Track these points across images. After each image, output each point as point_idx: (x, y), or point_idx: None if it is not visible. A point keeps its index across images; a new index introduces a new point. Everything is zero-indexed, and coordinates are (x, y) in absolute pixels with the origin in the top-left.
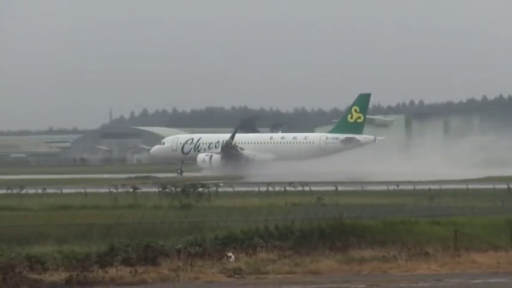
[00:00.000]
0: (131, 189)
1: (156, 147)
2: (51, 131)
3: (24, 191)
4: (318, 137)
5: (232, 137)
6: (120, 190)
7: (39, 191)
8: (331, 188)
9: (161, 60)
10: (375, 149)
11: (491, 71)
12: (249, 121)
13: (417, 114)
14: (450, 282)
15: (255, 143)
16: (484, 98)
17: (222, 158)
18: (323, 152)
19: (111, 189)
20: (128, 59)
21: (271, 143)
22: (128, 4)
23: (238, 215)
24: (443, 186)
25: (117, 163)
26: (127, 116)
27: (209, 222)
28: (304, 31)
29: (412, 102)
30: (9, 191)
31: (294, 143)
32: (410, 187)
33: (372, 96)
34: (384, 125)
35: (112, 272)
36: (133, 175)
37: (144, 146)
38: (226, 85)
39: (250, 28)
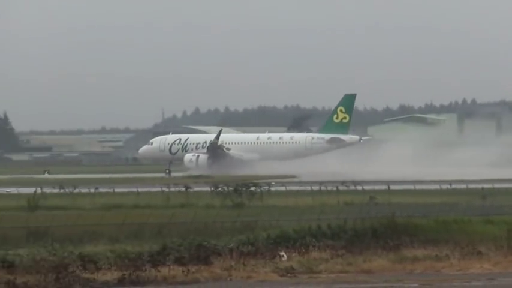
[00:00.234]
0: (183, 189)
1: (144, 148)
2: (103, 130)
3: (77, 191)
4: (303, 137)
5: (218, 137)
6: (172, 189)
7: (92, 190)
8: (384, 187)
9: (214, 59)
10: (425, 148)
11: None
12: (301, 120)
13: (469, 113)
14: (503, 281)
15: (241, 143)
16: None
17: (208, 158)
18: (309, 151)
19: (164, 189)
20: (180, 60)
21: (257, 143)
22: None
23: (291, 214)
24: (496, 185)
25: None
26: (179, 115)
27: (261, 221)
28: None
29: (464, 101)
30: (62, 191)
31: (280, 143)
32: (463, 186)
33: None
34: (436, 123)
35: (164, 271)
36: (185, 174)
37: None
38: (278, 84)
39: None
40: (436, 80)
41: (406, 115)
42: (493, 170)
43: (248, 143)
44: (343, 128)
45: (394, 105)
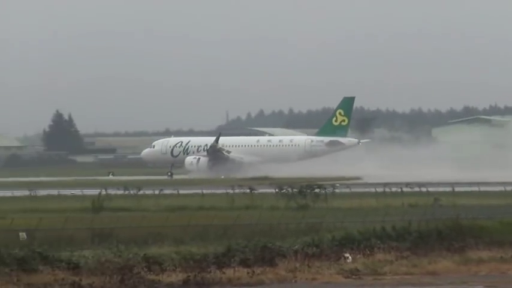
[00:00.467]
0: (248, 190)
1: (146, 151)
2: (167, 132)
3: (141, 192)
4: (303, 140)
5: (217, 140)
6: (236, 191)
7: (156, 192)
8: (448, 188)
9: (278, 61)
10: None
11: None
12: (365, 122)
13: None
14: None
15: (242, 146)
16: None
17: (209, 160)
18: (308, 154)
19: (228, 190)
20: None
21: (257, 146)
22: None
23: (355, 216)
24: None
25: None
26: (243, 116)
27: (326, 223)
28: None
29: None
30: (126, 192)
31: (280, 145)
32: None
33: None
34: (501, 125)
35: (229, 272)
36: (249, 176)
37: None
38: (341, 85)
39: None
40: (500, 81)
41: (470, 117)
42: None
43: (248, 145)
44: (342, 130)
45: (458, 107)
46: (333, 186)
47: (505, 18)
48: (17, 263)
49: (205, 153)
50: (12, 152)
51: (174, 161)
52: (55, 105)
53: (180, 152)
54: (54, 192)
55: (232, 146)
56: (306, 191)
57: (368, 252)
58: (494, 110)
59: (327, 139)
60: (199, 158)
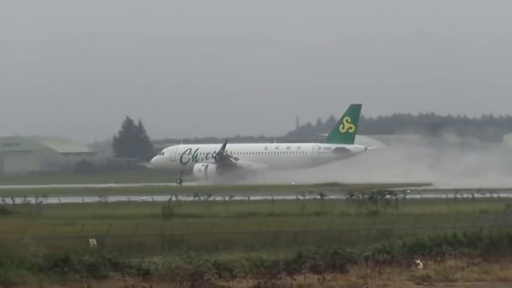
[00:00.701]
0: (318, 196)
1: (156, 158)
2: (237, 138)
3: (211, 199)
4: (310, 147)
5: (224, 147)
6: (307, 197)
7: (227, 198)
8: None
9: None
10: None
11: None
12: (435, 127)
13: None
14: None
15: (249, 153)
16: None
17: (217, 167)
18: (315, 161)
19: (299, 197)
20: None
21: (265, 153)
22: None
23: (426, 222)
24: None
25: None
26: (314, 122)
27: (397, 229)
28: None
29: None
30: (196, 199)
31: (287, 152)
32: None
33: None
34: None
35: (300, 279)
36: (320, 182)
37: None
38: (413, 90)
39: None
40: None
41: None
42: None
43: (256, 153)
44: (349, 137)
45: None
46: (404, 192)
47: None
48: (87, 269)
49: (213, 160)
50: (83, 158)
51: (183, 168)
52: (125, 112)
53: (189, 159)
54: (124, 198)
55: (240, 153)
56: (377, 197)
57: (439, 258)
58: None
59: (333, 146)
60: (207, 165)
